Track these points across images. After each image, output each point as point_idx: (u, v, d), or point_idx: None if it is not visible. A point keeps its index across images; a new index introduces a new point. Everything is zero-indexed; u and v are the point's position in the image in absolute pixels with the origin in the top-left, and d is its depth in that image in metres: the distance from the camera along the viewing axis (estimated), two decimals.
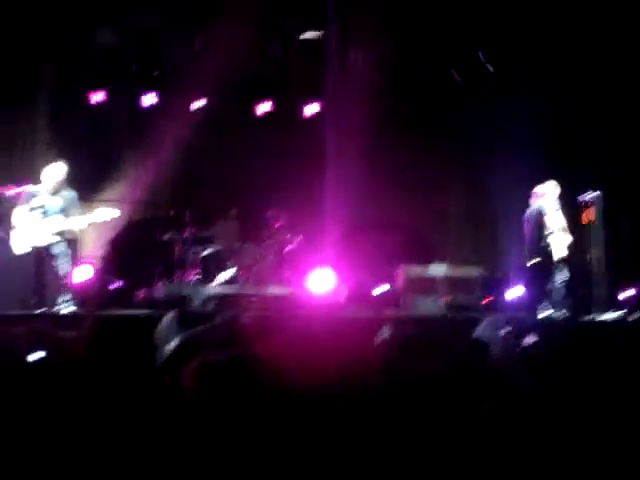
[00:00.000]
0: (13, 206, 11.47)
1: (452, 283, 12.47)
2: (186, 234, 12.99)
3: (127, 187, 13.73)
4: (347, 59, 13.79)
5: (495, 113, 13.02)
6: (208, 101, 13.75)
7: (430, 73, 12.85)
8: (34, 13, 12.14)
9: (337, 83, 13.63)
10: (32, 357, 4.88)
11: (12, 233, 10.65)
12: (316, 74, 13.72)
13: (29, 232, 10.62)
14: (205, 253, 12.76)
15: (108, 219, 11.02)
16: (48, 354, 5.98)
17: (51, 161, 11.04)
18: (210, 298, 12.03)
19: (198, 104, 13.79)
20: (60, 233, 10.85)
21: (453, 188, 14.60)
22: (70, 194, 10.82)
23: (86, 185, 12.54)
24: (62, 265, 10.74)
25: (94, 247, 13.53)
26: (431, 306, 12.07)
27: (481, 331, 4.63)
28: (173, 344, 5.09)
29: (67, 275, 10.76)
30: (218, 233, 13.35)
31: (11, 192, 11.75)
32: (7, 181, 12.09)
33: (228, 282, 12.81)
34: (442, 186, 14.35)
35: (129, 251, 13.59)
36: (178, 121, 13.28)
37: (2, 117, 12.89)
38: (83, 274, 12.08)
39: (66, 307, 10.64)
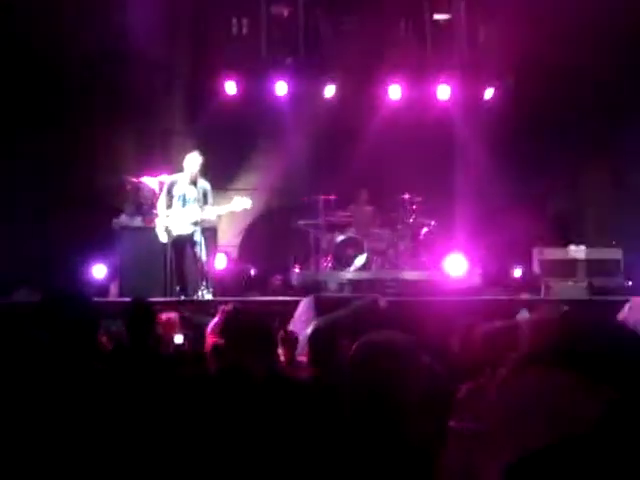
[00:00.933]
0: (152, 196, 11.77)
1: (592, 265, 12.04)
2: (320, 220, 12.94)
3: (261, 175, 13.79)
4: (477, 39, 13.68)
5: None
6: (339, 86, 13.69)
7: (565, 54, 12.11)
8: (169, 6, 12.60)
9: (465, 66, 13.55)
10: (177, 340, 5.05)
11: (157, 221, 10.81)
12: (447, 56, 13.65)
13: (171, 220, 10.75)
14: (340, 239, 12.69)
15: (244, 208, 11.06)
16: (190, 338, 6.09)
17: (188, 151, 11.08)
18: (346, 283, 11.98)
19: (330, 89, 13.77)
20: (199, 222, 10.91)
21: (589, 168, 14.15)
22: (205, 184, 10.88)
23: (221, 174, 12.69)
24: (201, 253, 10.78)
25: (231, 235, 13.61)
26: (571, 290, 11.67)
27: (626, 315, 4.40)
28: (310, 328, 5.14)
29: (207, 263, 10.86)
30: (352, 219, 13.27)
31: (149, 181, 12.06)
32: (144, 171, 12.29)
33: (363, 267, 12.65)
34: (579, 166, 14.00)
35: (265, 239, 13.61)
36: (310, 107, 13.34)
37: (139, 107, 12.98)
38: (221, 262, 12.32)
39: (206, 294, 10.74)
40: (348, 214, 13.22)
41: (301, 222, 13.00)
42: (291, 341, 5.86)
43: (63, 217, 11.88)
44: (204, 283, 10.84)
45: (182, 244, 10.97)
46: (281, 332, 5.91)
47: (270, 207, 14.09)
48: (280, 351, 5.40)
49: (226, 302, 7.32)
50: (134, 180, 12.24)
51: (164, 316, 6.67)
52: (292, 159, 13.46)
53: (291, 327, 6.84)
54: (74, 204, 12.06)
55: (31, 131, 11.68)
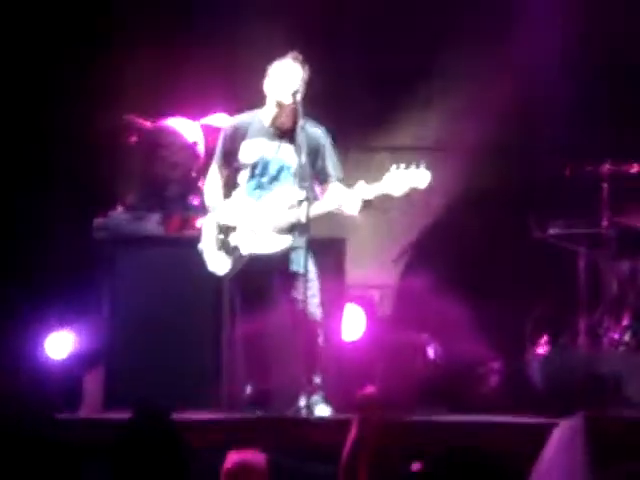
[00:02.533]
0: (188, 162, 7.93)
1: None
2: (605, 227, 7.62)
3: (452, 119, 8.58)
4: None
5: None
6: None
7: None
8: None
9: None
10: None
11: (202, 224, 6.74)
12: None
13: (237, 222, 6.53)
14: None
15: (413, 191, 6.00)
16: None
17: (277, 54, 6.42)
18: None
19: None
20: (303, 225, 6.09)
21: None
22: (318, 134, 6.44)
23: (353, 114, 8.44)
24: (309, 300, 6.05)
25: (378, 260, 8.39)
26: None
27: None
28: None
29: (321, 325, 6.13)
30: None
31: (181, 126, 7.97)
32: (171, 104, 8.39)
33: None
34: None
35: (459, 268, 8.23)
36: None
37: None
38: (356, 324, 7.39)
39: (320, 404, 6.12)
40: None
41: (554, 231, 7.76)
42: None
43: None
44: (316, 376, 6.09)
45: (263, 279, 6.25)
46: None
47: (474, 191, 8.40)
48: None
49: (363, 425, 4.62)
50: (146, 123, 7.91)
51: (235, 459, 4.41)
52: (527, 80, 8.47)
53: None
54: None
55: None
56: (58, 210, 7.64)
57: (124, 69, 8.27)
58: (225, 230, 6.04)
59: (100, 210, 7.59)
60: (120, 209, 7.57)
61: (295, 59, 5.93)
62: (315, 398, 5.85)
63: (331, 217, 6.22)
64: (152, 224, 7.49)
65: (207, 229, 6.09)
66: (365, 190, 5.79)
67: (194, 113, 7.87)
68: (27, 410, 5.35)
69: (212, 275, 6.22)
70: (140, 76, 8.27)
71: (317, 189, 6.04)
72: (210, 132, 7.50)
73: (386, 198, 5.99)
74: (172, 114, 7.86)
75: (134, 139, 7.93)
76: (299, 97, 5.84)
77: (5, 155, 8.03)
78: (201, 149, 7.62)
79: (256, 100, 6.31)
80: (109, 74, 8.18)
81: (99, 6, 8.50)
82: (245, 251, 5.93)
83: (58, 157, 8.09)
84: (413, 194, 6.03)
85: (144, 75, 8.30)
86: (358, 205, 5.82)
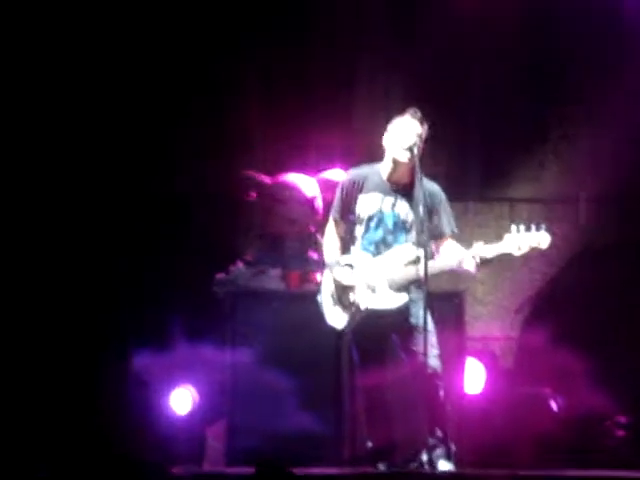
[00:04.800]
0: (306, 218, 8.03)
1: None
2: None
3: (575, 169, 8.43)
4: None
5: None
6: None
7: None
8: None
9: None
10: None
11: (322, 280, 6.53)
12: None
13: (357, 278, 6.33)
14: None
15: (535, 251, 5.85)
16: None
17: (395, 111, 6.43)
18: None
19: None
20: (422, 281, 5.87)
21: None
22: (435, 189, 6.29)
23: (470, 168, 8.47)
24: (432, 356, 5.85)
25: (502, 312, 8.25)
26: None
27: None
28: None
29: (442, 379, 5.93)
30: None
31: (300, 182, 8.11)
32: (290, 162, 8.52)
33: None
34: None
35: (590, 322, 7.95)
36: None
37: None
38: (477, 378, 7.15)
39: (443, 460, 5.84)
40: None
41: None
42: None
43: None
44: (438, 430, 5.85)
45: (382, 334, 6.07)
46: None
47: (599, 244, 8.32)
48: None
49: None
50: (266, 179, 8.04)
51: None
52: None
53: None
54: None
55: None
56: (182, 266, 7.69)
57: (248, 127, 8.27)
58: (342, 286, 5.91)
59: (221, 266, 7.52)
60: (240, 264, 7.48)
61: (413, 116, 5.84)
62: (437, 453, 5.65)
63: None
64: (273, 279, 7.45)
65: (325, 284, 5.97)
66: (483, 250, 5.66)
67: (313, 169, 7.75)
68: (145, 463, 5.32)
69: (332, 330, 6.06)
70: (262, 133, 8.31)
71: (432, 246, 5.88)
72: (328, 187, 7.36)
73: (506, 255, 5.83)
74: (291, 170, 7.71)
75: (254, 195, 7.80)
76: (416, 152, 5.72)
77: (134, 213, 8.15)
78: (319, 204, 7.53)
79: (373, 157, 6.20)
80: (233, 132, 8.20)
81: (228, 66, 8.46)
82: (362, 307, 5.79)
83: (181, 215, 8.12)
84: (533, 253, 5.86)
85: (266, 132, 8.32)
86: (475, 263, 5.67)
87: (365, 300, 5.73)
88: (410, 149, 5.69)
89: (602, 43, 8.15)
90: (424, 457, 5.62)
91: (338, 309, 5.86)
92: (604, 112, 8.09)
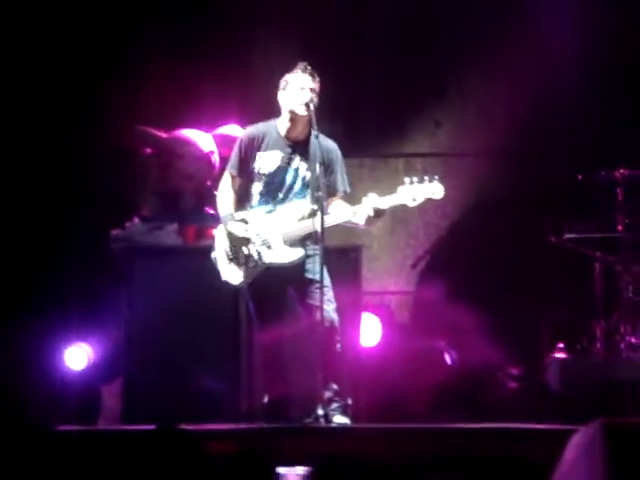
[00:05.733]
0: (202, 173, 8.06)
1: None
2: (626, 232, 7.42)
3: (473, 123, 8.56)
4: None
5: None
6: None
7: None
8: None
9: None
10: None
11: (216, 235, 6.38)
12: None
13: (253, 234, 6.28)
14: None
15: (428, 201, 5.93)
16: None
17: (291, 65, 6.33)
18: None
19: None
20: (318, 236, 5.85)
21: None
22: (331, 146, 6.26)
23: (366, 122, 8.40)
24: (327, 309, 5.82)
25: (395, 267, 8.29)
26: None
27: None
28: None
29: (338, 333, 5.90)
30: None
31: (196, 137, 8.25)
32: (187, 115, 8.41)
33: None
34: None
35: (476, 274, 8.00)
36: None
37: None
38: (372, 331, 7.16)
39: (337, 414, 5.89)
40: None
41: (570, 236, 7.61)
42: None
43: None
44: (333, 384, 5.87)
45: (278, 289, 6.11)
46: None
47: (489, 198, 8.30)
48: None
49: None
50: (161, 134, 7.98)
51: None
52: (542, 85, 8.26)
53: None
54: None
55: None
56: (75, 222, 7.53)
57: (139, 82, 8.18)
58: (236, 241, 5.90)
59: (116, 222, 7.43)
60: (137, 220, 7.41)
61: (304, 70, 5.83)
62: (333, 407, 5.68)
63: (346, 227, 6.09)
64: (169, 235, 7.40)
65: (219, 239, 5.94)
66: (377, 201, 5.66)
67: (208, 124, 7.70)
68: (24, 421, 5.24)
69: (229, 285, 6.03)
70: (155, 88, 8.16)
71: (330, 202, 5.87)
72: (224, 142, 7.37)
73: (401, 208, 5.83)
74: (186, 125, 7.66)
75: (149, 150, 7.74)
76: (312, 108, 5.70)
77: (23, 169, 7.97)
78: (216, 159, 7.51)
79: (270, 112, 6.15)
80: (124, 87, 8.07)
81: (115, 21, 8.39)
82: (258, 263, 5.79)
83: (75, 170, 7.99)
84: (428, 204, 5.87)
85: (159, 87, 8.18)
86: (369, 216, 5.67)
87: (260, 256, 5.73)
88: (307, 104, 5.67)
89: None
90: (320, 411, 5.61)
91: (233, 265, 5.85)
92: (499, 68, 8.13)
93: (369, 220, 5.73)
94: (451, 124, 8.40)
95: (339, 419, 5.65)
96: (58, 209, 7.71)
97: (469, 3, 8.18)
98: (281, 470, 4.63)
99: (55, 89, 7.92)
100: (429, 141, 8.44)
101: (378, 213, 5.70)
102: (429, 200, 5.72)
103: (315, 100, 5.73)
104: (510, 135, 8.17)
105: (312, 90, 5.75)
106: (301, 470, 4.58)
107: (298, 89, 5.76)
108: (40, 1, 8.13)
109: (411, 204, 5.67)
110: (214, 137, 7.66)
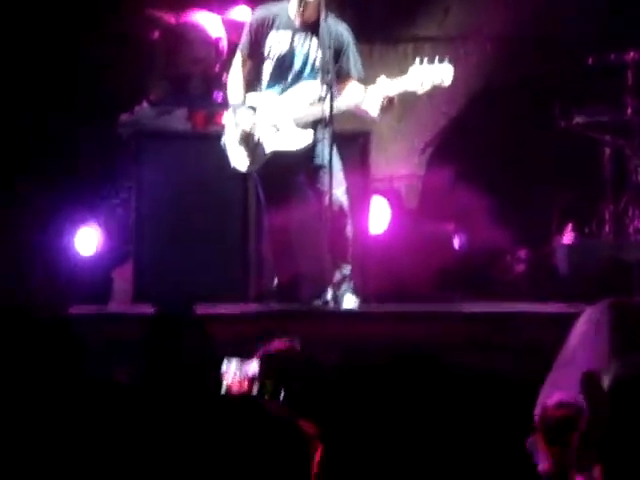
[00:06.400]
0: (211, 58, 7.81)
1: None
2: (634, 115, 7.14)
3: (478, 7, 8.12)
4: None
5: None
6: None
7: None
8: None
9: None
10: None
11: (225, 119, 6.37)
12: None
13: (263, 119, 6.15)
14: None
15: (437, 86, 5.74)
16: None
17: None
18: None
19: None
20: (328, 120, 5.74)
21: None
22: (342, 30, 6.08)
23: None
24: (337, 193, 5.80)
25: (403, 152, 8.00)
26: None
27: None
28: (608, 379, 3.00)
29: (348, 217, 5.90)
30: None
31: (204, 21, 7.80)
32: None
33: None
34: None
35: (484, 158, 7.73)
36: None
37: None
38: (381, 216, 7.01)
39: (348, 294, 5.87)
40: None
41: (579, 119, 7.29)
42: None
43: None
44: (344, 266, 5.86)
45: (288, 175, 6.06)
46: None
47: (499, 82, 8.04)
48: None
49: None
50: (170, 18, 7.63)
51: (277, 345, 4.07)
52: None
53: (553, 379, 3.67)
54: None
55: None
56: (84, 107, 7.44)
57: None
58: (246, 128, 5.84)
59: (125, 106, 7.32)
60: (145, 105, 7.30)
61: None
62: (343, 289, 5.70)
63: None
64: (178, 119, 7.27)
65: (228, 126, 5.85)
66: (387, 86, 5.54)
67: (217, 7, 7.50)
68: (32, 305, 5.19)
69: (238, 171, 6.01)
70: None
71: (342, 85, 5.75)
72: (233, 27, 7.20)
73: (409, 95, 5.70)
74: (195, 8, 7.47)
75: (157, 34, 7.57)
76: None
77: (31, 52, 7.87)
78: (224, 45, 7.35)
79: None
80: None
81: None
82: (267, 147, 5.73)
83: (82, 54, 7.78)
84: (436, 90, 5.76)
85: None
86: (379, 103, 5.54)
87: (270, 140, 5.64)
88: None
89: None
90: (329, 294, 5.65)
91: (242, 151, 5.79)
92: None
93: (380, 108, 5.62)
94: (460, 8, 8.12)
95: (349, 299, 5.65)
96: (67, 92, 7.50)
97: None
98: None
99: None
100: (438, 25, 8.14)
101: (387, 102, 5.60)
102: (437, 87, 5.63)
103: None
104: (520, 19, 7.92)
105: None
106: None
107: None
108: None
109: (420, 90, 5.57)
110: (223, 21, 7.46)
